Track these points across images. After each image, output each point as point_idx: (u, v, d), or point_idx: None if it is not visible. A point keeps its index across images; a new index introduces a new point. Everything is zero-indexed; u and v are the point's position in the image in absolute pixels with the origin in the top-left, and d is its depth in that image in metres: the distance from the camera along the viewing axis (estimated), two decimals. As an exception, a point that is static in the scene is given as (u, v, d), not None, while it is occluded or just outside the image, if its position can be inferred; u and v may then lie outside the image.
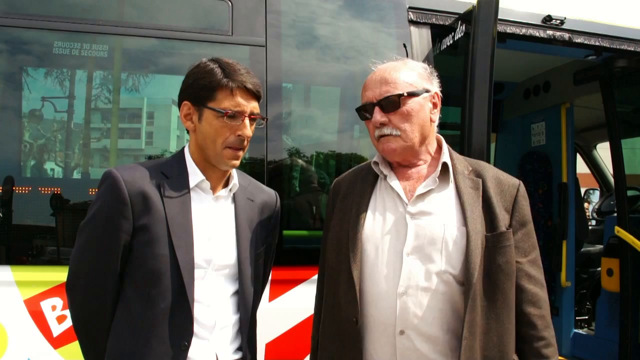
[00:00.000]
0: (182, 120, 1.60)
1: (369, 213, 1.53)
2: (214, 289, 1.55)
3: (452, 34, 2.95)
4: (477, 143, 2.59)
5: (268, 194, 1.78)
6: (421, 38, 2.92)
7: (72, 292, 1.53)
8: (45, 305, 2.24)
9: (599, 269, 4.52)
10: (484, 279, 1.42)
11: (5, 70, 2.48)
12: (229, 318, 1.58)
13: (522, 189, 1.57)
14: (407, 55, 2.82)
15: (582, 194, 5.64)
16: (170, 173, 1.55)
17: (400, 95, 1.49)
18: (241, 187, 1.67)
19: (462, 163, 1.59)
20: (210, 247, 1.54)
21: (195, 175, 1.57)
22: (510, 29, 3.08)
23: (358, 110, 1.59)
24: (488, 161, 2.55)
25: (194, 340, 1.49)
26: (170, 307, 1.46)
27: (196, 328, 1.49)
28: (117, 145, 2.72)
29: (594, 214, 5.82)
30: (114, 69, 2.71)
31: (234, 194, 1.65)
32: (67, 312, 2.14)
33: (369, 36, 2.95)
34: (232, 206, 1.64)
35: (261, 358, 2.40)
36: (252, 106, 1.56)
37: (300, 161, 2.79)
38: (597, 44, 3.29)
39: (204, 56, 1.63)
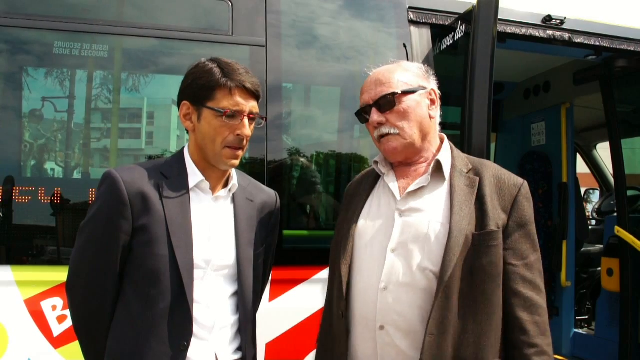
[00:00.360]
0: (182, 120, 1.60)
1: (365, 211, 1.57)
2: (213, 289, 1.55)
3: (452, 34, 2.95)
4: (477, 143, 2.59)
5: (268, 194, 1.78)
6: (421, 38, 2.92)
7: (72, 292, 1.53)
8: (46, 305, 2.25)
9: (599, 268, 4.52)
10: (465, 278, 1.39)
11: (6, 70, 2.48)
12: (228, 318, 1.58)
13: (525, 189, 1.52)
14: (407, 55, 2.83)
15: (582, 194, 5.64)
16: (169, 173, 1.56)
17: (395, 93, 1.50)
18: (241, 187, 1.67)
19: (463, 161, 1.58)
20: (209, 247, 1.54)
21: (194, 175, 1.57)
22: (510, 29, 3.08)
23: (357, 114, 1.61)
24: (488, 161, 2.56)
25: (193, 340, 1.49)
26: (170, 307, 1.46)
27: (195, 328, 1.50)
28: (117, 145, 2.72)
29: (594, 214, 5.81)
30: (114, 69, 2.71)
31: (233, 194, 1.65)
32: (68, 312, 2.14)
33: (369, 36, 2.95)
34: (232, 206, 1.64)
35: (261, 358, 2.40)
36: (251, 106, 1.56)
37: (300, 161, 2.78)
38: (597, 44, 3.29)
39: (205, 56, 1.63)
